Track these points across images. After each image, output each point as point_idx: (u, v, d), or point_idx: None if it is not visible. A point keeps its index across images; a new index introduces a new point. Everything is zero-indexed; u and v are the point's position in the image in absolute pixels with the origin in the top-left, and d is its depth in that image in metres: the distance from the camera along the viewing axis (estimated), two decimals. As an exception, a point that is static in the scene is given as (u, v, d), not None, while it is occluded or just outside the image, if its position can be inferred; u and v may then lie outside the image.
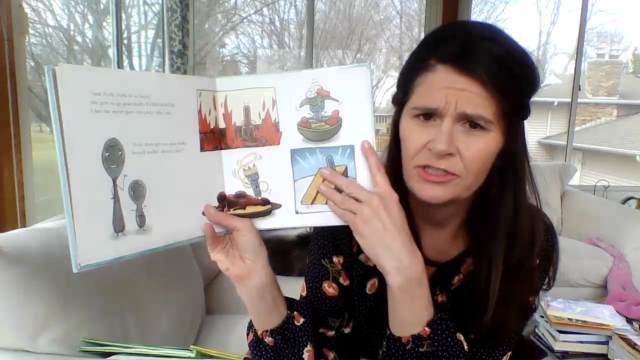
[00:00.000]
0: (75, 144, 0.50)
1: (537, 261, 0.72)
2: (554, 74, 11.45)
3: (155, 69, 4.17)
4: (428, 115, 0.62)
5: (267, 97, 0.63)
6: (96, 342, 0.91)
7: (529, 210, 0.68)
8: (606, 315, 1.53)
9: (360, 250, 0.73)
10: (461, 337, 0.64)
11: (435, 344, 0.61)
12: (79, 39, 5.13)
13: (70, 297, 0.93)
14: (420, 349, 0.61)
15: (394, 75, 8.04)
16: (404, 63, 0.68)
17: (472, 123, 0.60)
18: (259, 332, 0.68)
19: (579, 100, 3.56)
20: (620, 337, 1.40)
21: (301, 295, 0.79)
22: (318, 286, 0.77)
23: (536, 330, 1.58)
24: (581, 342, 1.47)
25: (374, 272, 0.75)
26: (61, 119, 0.49)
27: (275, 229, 0.66)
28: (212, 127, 0.63)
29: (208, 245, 0.64)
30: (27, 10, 2.31)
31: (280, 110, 0.63)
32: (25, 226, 1.98)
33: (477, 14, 7.03)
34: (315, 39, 3.73)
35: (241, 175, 0.65)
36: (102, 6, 4.66)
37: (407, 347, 0.62)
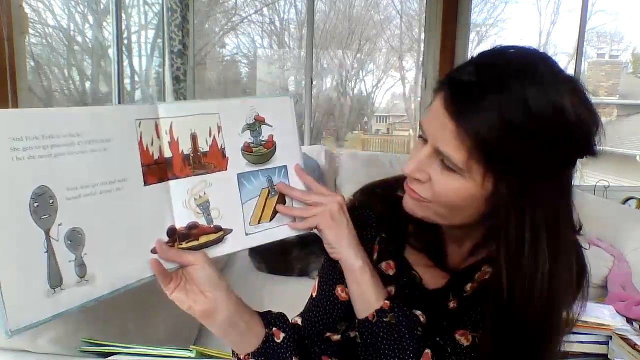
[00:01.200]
0: None
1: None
2: (554, 74, 11.43)
3: (155, 69, 4.17)
4: (424, 138, 0.62)
5: (212, 123, 0.63)
6: (96, 342, 0.91)
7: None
8: (606, 315, 1.53)
9: (380, 259, 0.75)
10: (417, 312, 0.68)
11: (397, 313, 0.65)
12: (79, 39, 5.13)
13: (70, 297, 0.93)
14: (384, 319, 0.64)
15: (394, 75, 8.07)
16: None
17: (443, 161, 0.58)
18: (241, 356, 0.66)
19: (579, 100, 3.55)
20: (620, 337, 1.40)
21: (311, 296, 0.78)
22: (331, 289, 0.75)
23: (536, 330, 1.58)
24: (581, 342, 1.47)
25: (391, 280, 0.74)
26: None
27: (227, 254, 0.66)
28: (155, 157, 0.59)
29: (160, 283, 0.59)
30: (27, 10, 2.31)
31: (225, 135, 0.64)
32: (25, 226, 1.98)
33: (477, 14, 7.03)
34: (315, 39, 3.73)
35: (192, 205, 0.62)
36: (102, 6, 4.67)
37: (374, 321, 0.65)
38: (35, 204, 0.48)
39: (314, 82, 3.42)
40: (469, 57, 0.60)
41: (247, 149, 0.66)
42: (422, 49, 3.79)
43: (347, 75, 7.75)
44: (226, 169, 0.64)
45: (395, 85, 8.17)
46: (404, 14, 7.53)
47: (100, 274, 0.54)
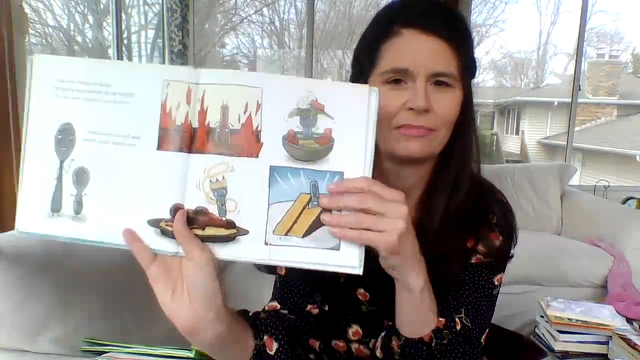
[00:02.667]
0: (36, 123, 0.55)
1: (499, 242, 0.73)
2: (554, 74, 11.47)
3: (155, 69, 4.17)
4: (397, 80, 0.65)
5: (251, 99, 0.53)
6: (97, 341, 0.91)
7: (475, 170, 0.74)
8: (606, 315, 1.53)
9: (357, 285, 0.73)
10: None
11: (452, 331, 0.64)
12: (79, 39, 5.13)
13: (70, 297, 0.93)
14: (443, 342, 0.64)
15: (394, 75, 8.06)
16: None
17: (438, 81, 0.65)
18: None
19: (579, 100, 3.56)
20: (620, 337, 1.40)
21: (279, 275, 0.75)
22: None
23: (536, 330, 1.58)
24: (581, 342, 1.47)
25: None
26: (30, 101, 0.55)
27: (237, 261, 0.55)
28: (179, 123, 0.53)
29: (139, 260, 0.53)
30: (27, 10, 2.31)
31: (265, 117, 0.53)
32: (25, 226, 1.98)
33: (477, 14, 7.04)
34: (315, 39, 3.73)
35: (206, 188, 0.54)
36: (102, 6, 4.67)
37: (433, 344, 0.63)
38: (59, 136, 0.55)
39: (314, 82, 3.42)
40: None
41: (291, 139, 0.53)
42: (422, 49, 3.78)
43: (347, 75, 7.73)
44: (257, 157, 0.53)
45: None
46: (404, 14, 7.52)
47: (93, 218, 0.55)
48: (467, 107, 0.70)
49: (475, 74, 0.72)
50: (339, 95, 0.54)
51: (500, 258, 0.74)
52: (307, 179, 0.54)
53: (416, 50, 0.65)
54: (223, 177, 0.54)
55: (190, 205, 0.54)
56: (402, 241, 0.53)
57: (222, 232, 0.54)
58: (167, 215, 0.54)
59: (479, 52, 7.45)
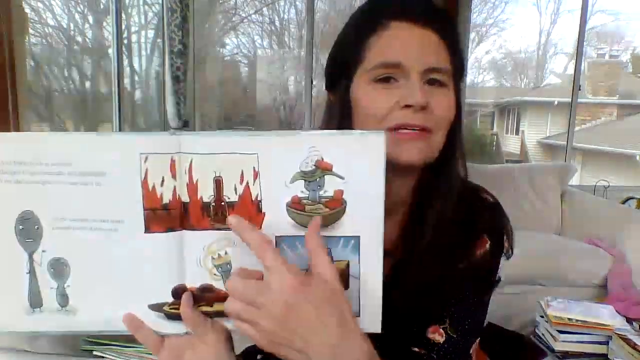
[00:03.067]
0: None
1: (487, 246, 0.66)
2: (554, 74, 11.46)
3: (155, 69, 4.17)
4: (387, 77, 0.59)
5: (246, 167, 0.47)
6: (97, 341, 0.92)
7: (462, 181, 0.67)
8: (606, 315, 1.53)
9: None
10: None
11: (432, 345, 0.59)
12: (79, 39, 5.13)
13: (70, 296, 0.93)
14: None
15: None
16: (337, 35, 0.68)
17: (432, 79, 0.60)
18: None
19: (579, 100, 3.56)
20: (620, 337, 1.40)
21: None
22: None
23: (536, 330, 1.58)
24: (581, 342, 1.47)
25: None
26: None
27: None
28: (166, 201, 0.48)
29: (147, 346, 0.51)
30: (27, 10, 2.31)
31: (264, 185, 0.48)
32: (25, 226, 1.98)
33: (477, 14, 7.03)
34: (315, 39, 3.73)
35: (208, 265, 0.50)
36: (102, 6, 4.67)
37: None
38: (20, 227, 0.49)
39: (314, 82, 3.43)
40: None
41: (296, 206, 0.48)
42: (422, 49, 3.78)
43: (347, 75, 7.73)
44: (260, 228, 0.48)
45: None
46: (404, 14, 7.52)
47: (84, 310, 0.51)
48: (458, 110, 0.64)
49: (464, 75, 0.67)
50: (348, 149, 0.47)
51: (488, 265, 0.67)
52: None
53: (408, 43, 0.59)
54: (226, 252, 0.49)
55: (193, 283, 0.50)
56: (270, 340, 0.45)
57: None
58: (170, 299, 0.50)
59: (478, 52, 7.45)
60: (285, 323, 0.43)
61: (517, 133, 12.06)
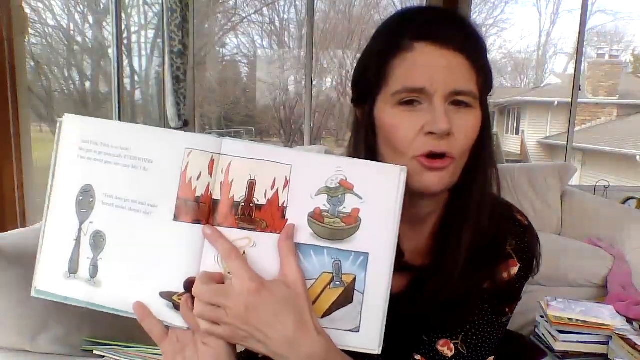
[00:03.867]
0: (60, 183, 0.55)
1: (516, 269, 0.66)
2: (554, 74, 11.47)
3: (155, 69, 4.17)
4: (410, 101, 0.58)
5: (279, 175, 0.53)
6: (98, 341, 0.91)
7: (493, 199, 0.65)
8: (606, 315, 1.53)
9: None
10: None
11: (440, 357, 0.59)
12: (79, 39, 5.13)
13: (70, 297, 0.93)
14: None
15: (394, 75, 8.06)
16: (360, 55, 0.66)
17: (457, 101, 0.58)
18: None
19: (579, 100, 3.56)
20: (620, 337, 1.40)
21: None
22: None
23: (536, 330, 1.58)
24: (581, 342, 1.47)
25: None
26: (56, 161, 0.55)
27: None
28: (198, 194, 0.52)
29: (151, 335, 0.54)
30: (27, 10, 2.31)
31: (292, 193, 0.53)
32: (25, 226, 1.98)
33: (477, 14, 7.04)
34: (315, 39, 3.73)
35: (224, 263, 0.53)
36: (102, 6, 4.67)
37: None
38: (80, 197, 0.54)
39: (314, 82, 3.42)
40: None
41: (317, 217, 0.53)
42: (422, 49, 3.78)
43: (347, 75, 7.75)
44: (280, 233, 0.53)
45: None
46: (404, 14, 7.52)
47: (108, 285, 0.54)
48: (486, 127, 0.62)
49: (491, 88, 0.64)
50: (369, 175, 0.53)
51: (514, 287, 0.66)
52: (331, 258, 0.53)
53: (432, 65, 0.57)
54: (244, 252, 0.52)
55: None
56: (233, 335, 0.52)
57: None
58: (181, 289, 0.53)
59: (479, 52, 7.45)
60: (246, 320, 0.49)
61: (517, 133, 12.07)
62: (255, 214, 0.53)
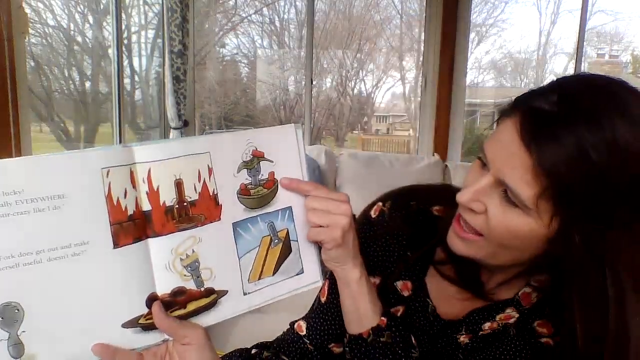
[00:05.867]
0: None
1: None
2: (554, 74, 11.46)
3: (155, 69, 4.17)
4: (484, 163, 0.55)
5: (202, 165, 0.52)
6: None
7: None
8: (606, 315, 1.52)
9: (399, 276, 0.69)
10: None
11: (394, 331, 0.62)
12: (79, 39, 5.13)
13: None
14: (381, 339, 0.61)
15: (394, 75, 8.07)
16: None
17: (507, 195, 0.51)
18: None
19: (579, 100, 3.56)
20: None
21: (319, 300, 0.73)
22: None
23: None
24: (581, 342, 1.47)
25: (403, 301, 0.69)
26: None
27: (223, 320, 0.55)
28: (130, 212, 0.48)
29: None
30: (27, 10, 2.31)
31: (218, 178, 0.53)
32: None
33: (477, 14, 7.03)
34: (315, 39, 3.74)
35: (178, 267, 0.51)
36: (102, 6, 4.67)
37: (369, 340, 0.61)
38: None
39: (314, 82, 3.43)
40: (546, 80, 0.56)
41: (244, 192, 0.55)
42: (422, 49, 3.79)
43: (347, 75, 7.75)
44: (220, 219, 0.54)
45: (395, 85, 8.16)
46: (404, 14, 7.53)
47: (44, 354, 0.46)
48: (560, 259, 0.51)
49: (608, 224, 0.48)
50: (272, 138, 0.58)
51: None
52: (265, 223, 0.57)
53: (498, 142, 0.51)
54: (193, 251, 0.52)
55: (165, 289, 0.51)
56: (345, 235, 0.57)
57: (204, 301, 0.53)
58: (145, 309, 0.50)
59: (478, 52, 7.45)
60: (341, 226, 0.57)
61: (517, 133, 12.04)
62: (192, 211, 0.52)
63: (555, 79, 0.53)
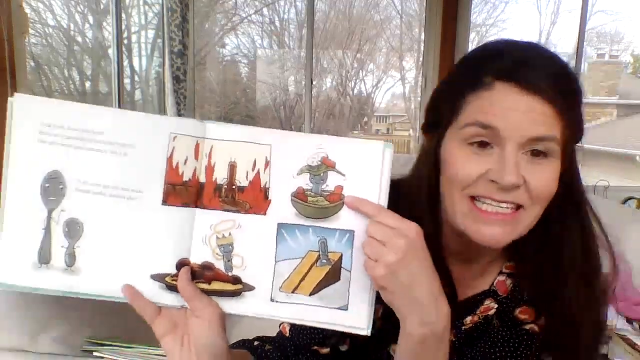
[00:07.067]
0: (18, 170, 0.52)
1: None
2: (554, 74, 11.43)
3: (155, 69, 4.17)
4: (482, 142, 0.54)
5: (259, 156, 0.53)
6: (98, 342, 0.92)
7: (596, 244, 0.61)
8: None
9: None
10: None
11: None
12: (79, 39, 5.13)
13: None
14: None
15: (394, 75, 8.08)
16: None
17: (535, 151, 0.53)
18: None
19: (579, 100, 3.56)
20: (620, 337, 1.40)
21: None
22: None
23: (536, 330, 1.58)
24: (581, 342, 1.47)
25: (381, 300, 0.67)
26: (11, 145, 0.51)
27: (241, 316, 0.55)
28: (186, 179, 0.53)
29: (141, 314, 0.53)
30: (27, 10, 2.31)
31: (274, 174, 0.53)
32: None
33: (477, 14, 7.03)
34: (315, 39, 3.73)
35: (212, 244, 0.54)
36: (102, 6, 4.67)
37: None
38: (47, 185, 0.52)
39: (314, 82, 3.43)
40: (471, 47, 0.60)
41: (300, 196, 0.53)
42: (422, 49, 3.79)
43: (347, 75, 7.76)
44: (265, 214, 0.53)
45: (395, 85, 8.17)
46: (404, 14, 7.53)
47: (88, 272, 0.53)
48: (571, 183, 0.57)
49: (579, 139, 0.59)
50: (351, 152, 0.53)
51: None
52: (316, 237, 0.53)
53: (510, 108, 0.52)
54: (230, 234, 0.53)
55: (197, 259, 0.54)
56: (390, 276, 0.48)
57: (229, 287, 0.54)
58: (173, 270, 0.53)
59: (479, 52, 7.44)
60: (401, 265, 0.48)
61: (517, 133, 12.05)
62: (238, 196, 0.53)
63: (487, 48, 0.60)
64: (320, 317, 0.54)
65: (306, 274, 0.53)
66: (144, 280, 0.53)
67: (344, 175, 0.53)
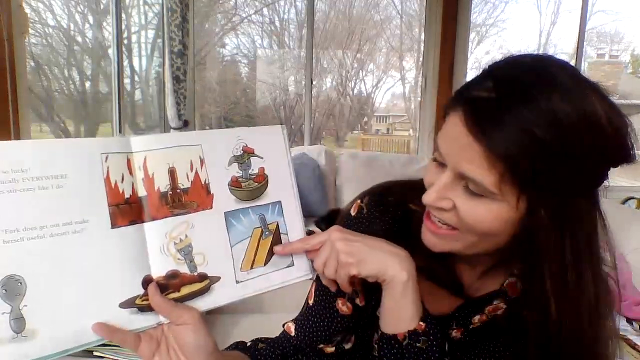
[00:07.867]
0: None
1: None
2: (554, 74, 11.42)
3: (155, 69, 4.18)
4: (441, 162, 0.56)
5: (194, 156, 0.57)
6: (97, 342, 0.91)
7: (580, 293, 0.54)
8: (606, 315, 1.52)
9: None
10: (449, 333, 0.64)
11: (431, 338, 0.58)
12: (79, 39, 5.13)
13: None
14: (417, 344, 0.58)
15: (394, 75, 8.07)
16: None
17: (468, 187, 0.53)
18: None
19: (579, 100, 3.55)
20: (620, 337, 1.40)
21: (307, 303, 0.73)
22: (331, 302, 0.70)
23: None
24: (581, 342, 1.47)
25: None
26: None
27: (217, 307, 0.57)
28: (127, 196, 0.52)
29: (125, 346, 0.52)
30: (27, 10, 2.31)
31: (209, 169, 0.57)
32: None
33: (477, 14, 7.03)
34: (315, 39, 3.74)
35: (172, 250, 0.55)
36: (102, 6, 4.67)
37: (404, 343, 0.58)
38: None
39: (314, 82, 3.43)
40: (480, 67, 0.55)
41: (235, 184, 0.59)
42: (422, 49, 3.79)
43: (347, 75, 7.75)
44: (211, 208, 0.57)
45: (395, 85, 8.16)
46: (404, 14, 7.53)
47: (45, 330, 0.47)
48: (529, 231, 0.52)
49: (554, 193, 0.50)
50: (262, 137, 0.62)
51: None
52: (256, 215, 0.60)
53: (449, 137, 0.53)
54: (186, 235, 0.56)
55: (160, 272, 0.54)
56: (350, 255, 0.57)
57: (197, 286, 0.56)
58: (141, 290, 0.53)
59: (478, 52, 7.44)
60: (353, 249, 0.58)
61: (517, 133, 12.05)
62: (184, 198, 0.56)
63: (487, 66, 0.55)
64: (277, 279, 0.61)
65: (257, 248, 0.60)
66: (114, 312, 0.51)
67: (262, 157, 0.61)
